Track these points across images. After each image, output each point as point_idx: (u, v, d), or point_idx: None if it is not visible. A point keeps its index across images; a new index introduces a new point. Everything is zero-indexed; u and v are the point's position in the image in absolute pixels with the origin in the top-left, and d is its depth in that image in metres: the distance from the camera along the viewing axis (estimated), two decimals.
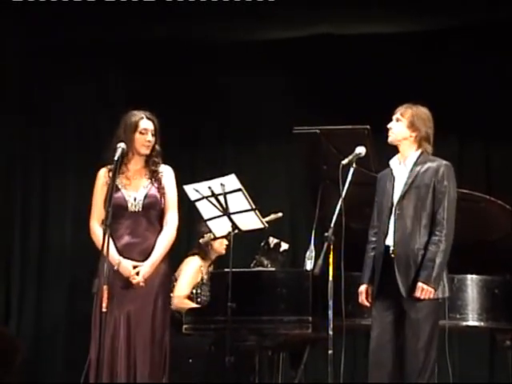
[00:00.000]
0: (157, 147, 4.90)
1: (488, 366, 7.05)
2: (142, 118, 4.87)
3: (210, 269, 6.08)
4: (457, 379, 6.00)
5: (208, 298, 5.89)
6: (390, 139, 4.77)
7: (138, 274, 4.71)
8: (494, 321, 5.25)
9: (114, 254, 4.67)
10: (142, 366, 4.64)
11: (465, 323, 5.22)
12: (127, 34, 7.33)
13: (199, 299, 5.92)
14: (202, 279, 5.96)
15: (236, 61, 7.43)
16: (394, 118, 4.77)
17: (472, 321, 5.22)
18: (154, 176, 4.87)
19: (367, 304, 4.76)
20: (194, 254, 6.03)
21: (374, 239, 4.77)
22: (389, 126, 4.76)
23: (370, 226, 4.82)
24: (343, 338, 4.70)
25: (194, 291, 5.93)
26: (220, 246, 6.02)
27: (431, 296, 4.54)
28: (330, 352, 4.58)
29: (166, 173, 4.91)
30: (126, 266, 4.71)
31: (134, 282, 4.70)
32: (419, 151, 4.73)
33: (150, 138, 4.86)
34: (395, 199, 4.68)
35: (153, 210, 4.82)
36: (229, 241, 5.19)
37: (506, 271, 5.37)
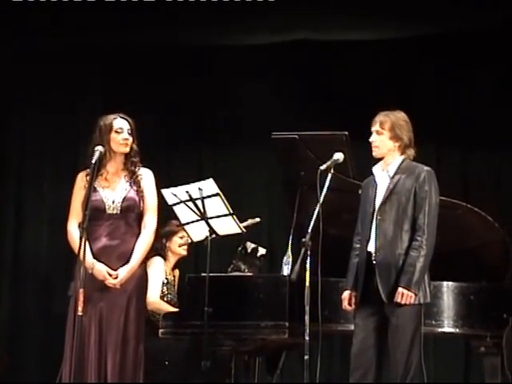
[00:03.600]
0: (134, 147, 4.89)
1: (463, 372, 7.07)
2: (116, 118, 4.87)
3: (176, 272, 6.06)
4: None
5: (175, 298, 5.92)
6: (374, 154, 4.77)
7: (115, 277, 4.70)
8: (469, 327, 5.28)
9: (88, 258, 4.64)
10: (112, 371, 4.63)
11: (440, 329, 5.24)
12: (106, 38, 7.31)
13: (165, 298, 5.90)
14: (166, 279, 5.95)
15: (218, 65, 7.43)
16: (374, 130, 4.76)
17: (447, 327, 5.24)
18: (133, 178, 4.86)
19: (350, 309, 4.77)
20: (154, 255, 5.98)
21: (357, 246, 4.78)
22: (371, 140, 4.76)
23: (355, 233, 4.83)
24: (319, 344, 4.71)
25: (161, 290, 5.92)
26: (179, 248, 5.99)
27: (412, 301, 4.55)
28: (306, 357, 4.58)
29: (146, 176, 4.90)
30: (100, 269, 4.70)
31: (109, 284, 4.69)
32: (402, 157, 4.76)
33: (127, 135, 4.85)
34: (377, 205, 4.71)
35: (131, 213, 4.81)
36: (206, 245, 5.18)
37: (482, 278, 5.40)
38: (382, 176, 4.76)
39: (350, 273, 4.78)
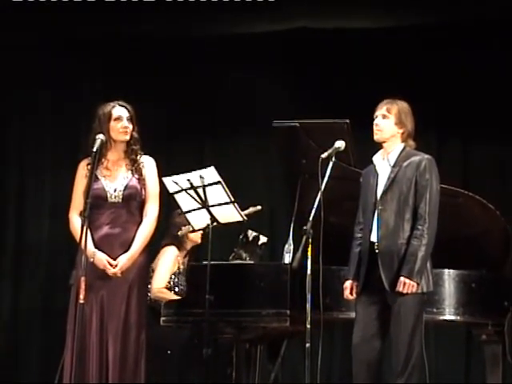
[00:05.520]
0: (134, 134, 4.87)
1: (464, 360, 7.09)
2: (115, 106, 4.86)
3: (186, 259, 6.08)
4: (433, 373, 6.03)
5: (185, 288, 5.90)
6: (377, 137, 4.75)
7: (116, 266, 4.71)
8: (471, 315, 5.28)
9: (89, 246, 4.64)
10: (113, 361, 4.63)
11: (441, 317, 5.24)
12: (102, 31, 7.31)
13: (177, 288, 5.92)
14: (178, 268, 5.97)
15: (217, 55, 7.42)
16: (380, 114, 4.75)
17: (449, 315, 5.24)
18: (135, 166, 4.85)
19: (352, 299, 4.78)
20: (169, 244, 6.01)
21: (359, 235, 4.79)
22: (376, 123, 4.75)
23: (356, 223, 4.83)
24: (321, 332, 4.72)
25: (171, 280, 5.93)
26: (195, 236, 6.00)
27: (414, 290, 4.56)
28: (307, 345, 4.58)
29: (148, 163, 4.90)
30: (101, 258, 4.70)
31: (110, 272, 4.69)
32: (402, 146, 4.75)
33: (126, 123, 4.83)
34: (378, 195, 4.71)
35: (133, 201, 4.81)
36: (207, 233, 5.18)
37: (483, 266, 5.41)
38: (383, 165, 4.76)
39: (351, 262, 4.79)
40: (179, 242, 6.00)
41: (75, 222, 4.80)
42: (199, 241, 6.07)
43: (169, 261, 5.90)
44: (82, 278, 4.46)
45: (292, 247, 5.31)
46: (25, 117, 7.66)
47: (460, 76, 7.23)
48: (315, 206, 4.66)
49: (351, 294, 4.77)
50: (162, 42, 7.40)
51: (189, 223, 5.31)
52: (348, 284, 4.78)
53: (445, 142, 7.42)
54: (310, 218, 4.64)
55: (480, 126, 7.23)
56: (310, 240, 4.63)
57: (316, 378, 4.75)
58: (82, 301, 4.47)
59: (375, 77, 7.11)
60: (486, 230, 5.51)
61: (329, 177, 4.72)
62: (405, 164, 4.70)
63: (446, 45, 7.20)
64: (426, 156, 4.74)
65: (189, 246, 6.07)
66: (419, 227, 4.61)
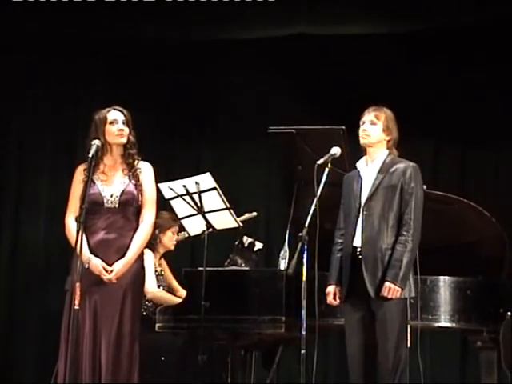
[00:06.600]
0: (131, 138, 4.86)
1: (459, 366, 7.10)
2: (110, 110, 4.85)
3: (162, 261, 6.05)
4: (428, 380, 6.03)
5: (166, 287, 5.93)
6: (364, 141, 4.77)
7: (111, 272, 4.70)
8: (466, 322, 5.29)
9: (85, 252, 4.63)
10: (106, 366, 4.61)
11: (437, 324, 5.25)
12: (107, 34, 7.32)
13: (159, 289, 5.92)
14: (156, 271, 5.96)
15: (216, 60, 7.43)
16: (367, 120, 4.77)
17: (444, 322, 5.25)
18: (132, 172, 4.83)
19: (336, 304, 4.78)
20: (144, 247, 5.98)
21: (340, 241, 4.80)
22: (364, 128, 4.76)
23: (337, 228, 4.84)
24: (316, 338, 4.72)
25: None
26: (169, 242, 5.98)
27: (398, 295, 4.57)
28: (302, 352, 4.57)
29: (145, 169, 4.88)
30: (96, 264, 4.68)
31: (105, 278, 4.68)
32: (386, 152, 4.78)
33: (122, 126, 4.82)
34: (363, 200, 4.71)
35: (130, 207, 4.79)
36: (203, 239, 5.18)
37: (479, 272, 5.41)
38: (368, 171, 4.77)
39: (333, 267, 4.79)
40: (152, 245, 5.96)
41: (71, 226, 4.78)
42: (172, 248, 6.04)
43: (151, 263, 5.89)
44: (77, 284, 4.44)
45: (287, 253, 5.31)
46: (24, 118, 7.66)
47: (458, 83, 7.24)
48: (311, 212, 4.66)
49: (334, 299, 4.77)
50: (161, 48, 7.41)
51: (185, 230, 5.33)
52: (331, 289, 4.77)
53: (442, 149, 7.42)
54: (306, 225, 4.64)
55: (477, 133, 7.24)
56: (306, 246, 4.63)
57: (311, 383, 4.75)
58: (76, 307, 4.44)
59: (373, 83, 7.12)
60: (481, 236, 5.52)
61: (325, 183, 4.72)
62: (390, 170, 4.71)
63: (445, 52, 7.22)
64: (411, 164, 4.76)
65: (161, 250, 6.03)
66: (404, 233, 4.62)
